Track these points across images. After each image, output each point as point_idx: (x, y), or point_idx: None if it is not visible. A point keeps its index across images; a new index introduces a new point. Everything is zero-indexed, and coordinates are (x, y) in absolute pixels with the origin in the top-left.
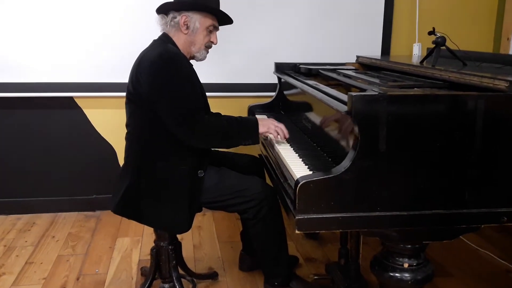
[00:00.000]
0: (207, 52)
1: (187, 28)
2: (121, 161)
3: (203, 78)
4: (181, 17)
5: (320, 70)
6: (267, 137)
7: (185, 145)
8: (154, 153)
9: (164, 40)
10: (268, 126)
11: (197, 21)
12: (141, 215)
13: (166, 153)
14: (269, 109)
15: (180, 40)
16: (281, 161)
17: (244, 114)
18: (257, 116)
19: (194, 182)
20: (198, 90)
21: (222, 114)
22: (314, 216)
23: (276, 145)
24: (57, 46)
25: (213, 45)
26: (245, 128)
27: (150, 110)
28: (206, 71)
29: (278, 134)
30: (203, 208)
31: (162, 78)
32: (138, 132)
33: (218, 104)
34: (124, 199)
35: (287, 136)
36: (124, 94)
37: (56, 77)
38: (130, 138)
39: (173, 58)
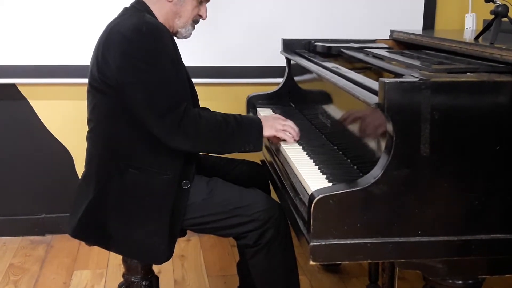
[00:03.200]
0: (194, 28)
1: None
2: (80, 169)
3: (187, 60)
4: None
5: (343, 49)
6: (272, 142)
7: (165, 148)
8: (125, 158)
9: (139, 9)
10: (273, 126)
11: None
12: (107, 239)
13: (141, 158)
14: (274, 101)
15: (162, 9)
16: (291, 169)
17: (241, 106)
18: (259, 110)
19: (177, 196)
20: (184, 74)
21: (211, 110)
22: (335, 242)
23: (284, 148)
24: None
25: (201, 20)
26: (246, 129)
27: (120, 101)
28: (192, 50)
29: (288, 134)
30: (188, 231)
31: (138, 57)
32: (104, 130)
33: (206, 95)
34: (85, 219)
35: (297, 137)
36: (85, 80)
37: None
38: (93, 138)
39: (154, 31)
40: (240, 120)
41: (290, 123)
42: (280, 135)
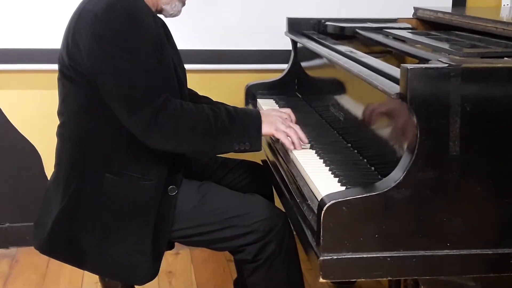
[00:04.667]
0: (183, 4)
1: None
2: (51, 171)
3: (178, 43)
4: None
5: (358, 30)
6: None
7: (149, 149)
8: (101, 160)
9: None
10: (274, 124)
11: None
12: (79, 256)
13: (120, 161)
14: (278, 90)
15: None
16: (298, 170)
17: (239, 97)
18: (259, 102)
19: (162, 205)
20: (169, 61)
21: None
22: (349, 256)
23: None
24: None
25: None
26: (240, 124)
27: (94, 92)
28: (183, 32)
29: (289, 139)
30: (176, 243)
31: (110, 40)
32: (76, 126)
33: (199, 83)
34: (55, 231)
35: (305, 141)
36: (54, 66)
37: None
38: (63, 134)
39: (130, 9)
40: (234, 113)
41: (296, 127)
42: (280, 136)
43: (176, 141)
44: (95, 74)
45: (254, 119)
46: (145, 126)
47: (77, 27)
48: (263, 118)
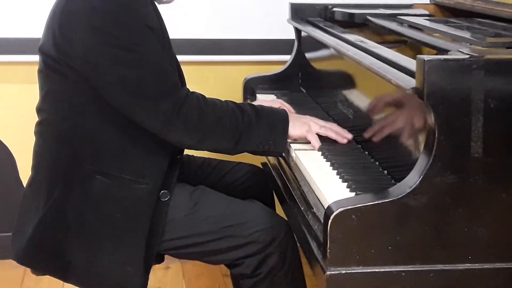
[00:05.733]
0: None
1: None
2: (26, 175)
3: (169, 32)
4: None
5: (370, 17)
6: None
7: (144, 148)
8: (90, 160)
9: None
10: (307, 125)
11: None
12: (64, 268)
13: (111, 161)
14: (280, 85)
15: None
16: (302, 174)
17: (237, 92)
18: (259, 97)
19: (153, 211)
20: (172, 51)
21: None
22: (358, 270)
23: (292, 147)
24: None
25: None
26: (267, 121)
27: (87, 87)
28: (173, 19)
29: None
30: (166, 256)
31: (114, 33)
32: (61, 123)
33: (191, 76)
34: (36, 239)
35: (349, 136)
36: (33, 57)
37: None
38: (44, 132)
39: None
40: (260, 108)
41: (333, 125)
42: (311, 138)
43: (201, 134)
44: (94, 68)
45: (281, 117)
46: (167, 119)
47: (65, 16)
48: (292, 119)
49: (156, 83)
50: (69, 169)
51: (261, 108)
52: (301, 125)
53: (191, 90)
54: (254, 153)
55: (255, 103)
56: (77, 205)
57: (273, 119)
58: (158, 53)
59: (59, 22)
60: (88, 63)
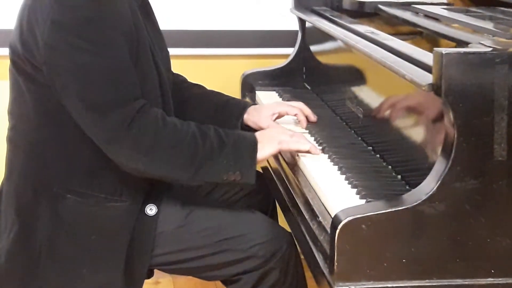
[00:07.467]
0: None
1: None
2: None
3: (161, 23)
4: None
5: (381, 6)
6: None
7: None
8: (60, 177)
9: None
10: (276, 138)
11: None
12: None
13: (84, 179)
14: (282, 81)
15: None
16: (306, 179)
17: (235, 88)
18: (259, 95)
19: (139, 227)
20: (147, 56)
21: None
22: (369, 286)
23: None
24: None
25: None
26: (232, 148)
27: (52, 90)
28: (166, 9)
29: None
30: (156, 271)
31: (73, 30)
32: (30, 131)
33: (185, 70)
34: (5, 265)
35: (318, 152)
36: (5, 51)
37: None
38: (14, 141)
39: None
40: (225, 134)
41: (301, 136)
42: (288, 146)
43: (150, 158)
44: (52, 69)
45: (248, 143)
46: (113, 134)
47: (33, 9)
48: (259, 139)
49: (106, 91)
50: (38, 186)
51: (227, 133)
52: (269, 141)
53: (153, 107)
54: (222, 183)
55: (260, 100)
56: (46, 228)
57: (240, 145)
58: (120, 59)
59: (27, 14)
60: (48, 62)
